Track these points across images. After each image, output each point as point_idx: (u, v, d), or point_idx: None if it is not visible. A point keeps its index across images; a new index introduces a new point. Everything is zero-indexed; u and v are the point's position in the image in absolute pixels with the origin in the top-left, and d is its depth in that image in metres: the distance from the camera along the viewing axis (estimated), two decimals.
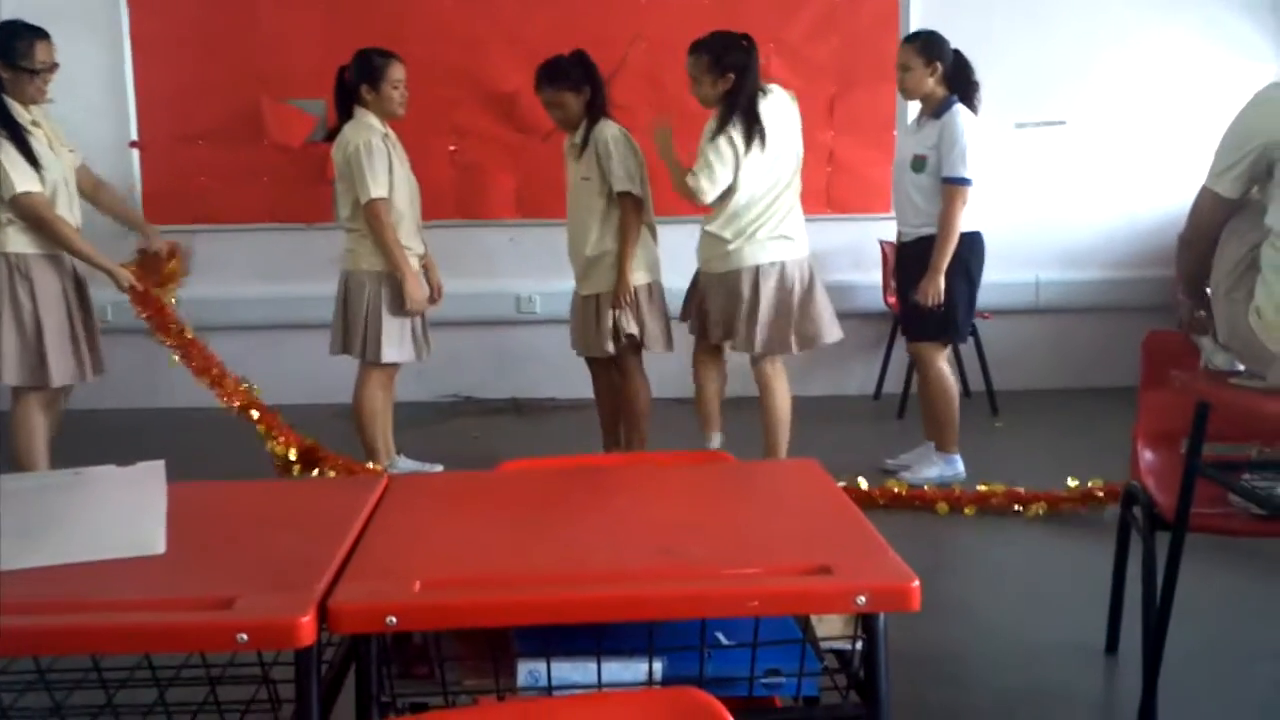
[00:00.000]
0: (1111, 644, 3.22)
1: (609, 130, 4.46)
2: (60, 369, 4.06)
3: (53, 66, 4.15)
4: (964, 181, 4.48)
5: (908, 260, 4.67)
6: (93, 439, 4.26)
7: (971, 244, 4.61)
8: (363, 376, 4.59)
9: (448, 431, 5.20)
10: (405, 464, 4.78)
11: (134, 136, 6.21)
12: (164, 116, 6.20)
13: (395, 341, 4.57)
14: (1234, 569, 3.55)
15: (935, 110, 4.55)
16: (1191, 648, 3.00)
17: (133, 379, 5.71)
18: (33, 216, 4.01)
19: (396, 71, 4.59)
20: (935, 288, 4.53)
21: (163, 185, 6.24)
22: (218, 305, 6.01)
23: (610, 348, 4.52)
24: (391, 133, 4.64)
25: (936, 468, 4.76)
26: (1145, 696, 2.74)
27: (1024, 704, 2.97)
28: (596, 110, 4.49)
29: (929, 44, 4.54)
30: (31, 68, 4.05)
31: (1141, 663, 2.79)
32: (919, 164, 4.56)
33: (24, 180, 3.97)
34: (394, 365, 4.65)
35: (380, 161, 4.47)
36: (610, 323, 4.50)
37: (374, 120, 4.56)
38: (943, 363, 4.73)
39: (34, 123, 4.14)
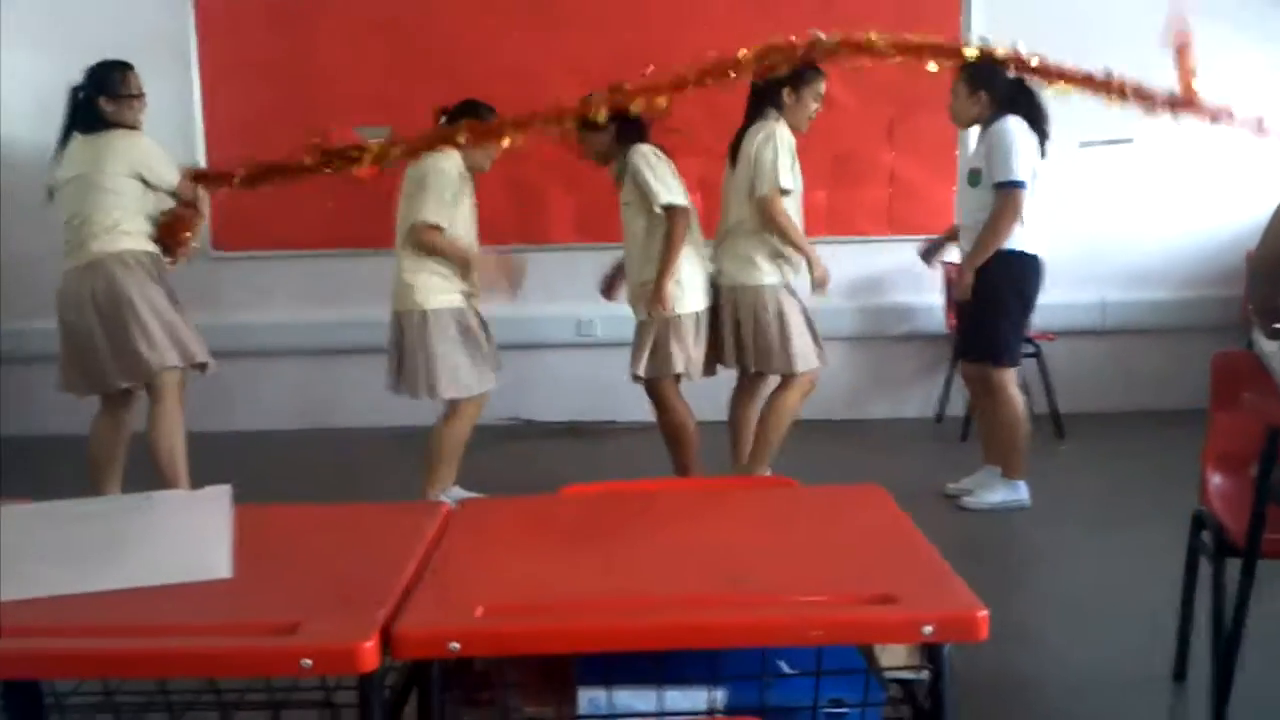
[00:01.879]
0: (1179, 672, 3.15)
1: (637, 152, 4.48)
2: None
3: (141, 95, 4.49)
4: (1014, 184, 4.44)
5: (976, 282, 4.56)
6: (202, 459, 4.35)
7: (1027, 265, 4.56)
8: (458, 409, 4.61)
9: (507, 455, 5.22)
10: (458, 493, 4.83)
11: (203, 164, 6.31)
12: (232, 145, 6.28)
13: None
14: None
15: (986, 124, 4.57)
16: (1261, 676, 2.93)
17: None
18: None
19: None
20: (964, 284, 4.53)
21: (232, 212, 6.33)
22: (278, 329, 6.10)
23: (641, 370, 4.55)
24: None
25: (1000, 493, 4.70)
26: None
27: None
28: (625, 138, 4.53)
29: (975, 73, 4.53)
30: (131, 93, 4.41)
31: (1210, 691, 2.74)
32: (974, 178, 4.57)
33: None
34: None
35: (449, 189, 4.54)
36: (649, 348, 4.53)
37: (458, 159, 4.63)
38: (1014, 387, 4.66)
39: None
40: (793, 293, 4.65)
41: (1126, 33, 6.07)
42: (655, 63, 5.99)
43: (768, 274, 4.57)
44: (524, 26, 6.20)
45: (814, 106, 4.58)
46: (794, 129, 4.59)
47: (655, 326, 4.50)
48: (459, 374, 4.52)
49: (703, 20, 6.19)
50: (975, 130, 4.79)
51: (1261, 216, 2.70)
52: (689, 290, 4.52)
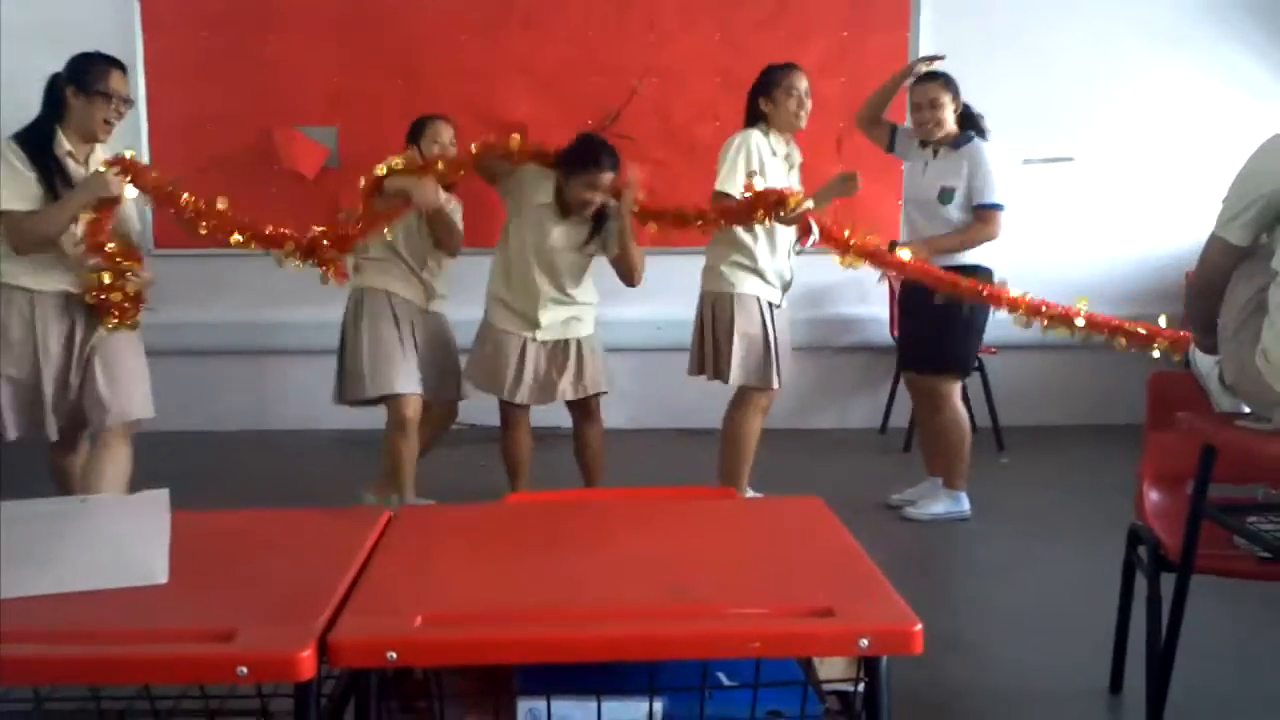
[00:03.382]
0: (1116, 684, 3.20)
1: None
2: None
3: (126, 100, 3.98)
4: (997, 207, 4.58)
5: (928, 294, 4.59)
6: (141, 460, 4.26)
7: (984, 279, 4.62)
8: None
9: (453, 462, 5.19)
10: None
11: (146, 162, 6.23)
12: (176, 143, 6.23)
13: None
14: (1239, 611, 3.53)
15: (954, 143, 4.62)
16: (1196, 689, 2.98)
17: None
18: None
19: (438, 131, 4.71)
20: (930, 252, 4.58)
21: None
22: (223, 329, 6.03)
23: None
24: None
25: (942, 504, 4.75)
26: None
27: None
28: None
29: (952, 81, 4.64)
30: (105, 91, 3.86)
31: (1146, 704, 2.78)
32: (947, 196, 4.61)
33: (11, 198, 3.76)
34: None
35: None
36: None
37: None
38: (958, 399, 4.72)
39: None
40: (766, 311, 4.59)
41: (1074, 34, 6.21)
42: (605, 65, 6.06)
43: (725, 282, 4.57)
44: (477, 27, 6.19)
45: (794, 102, 4.55)
46: (787, 129, 4.61)
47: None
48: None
49: (654, 25, 6.21)
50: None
51: (1201, 236, 2.75)
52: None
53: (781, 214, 4.33)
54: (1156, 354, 4.33)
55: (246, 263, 6.21)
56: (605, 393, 4.64)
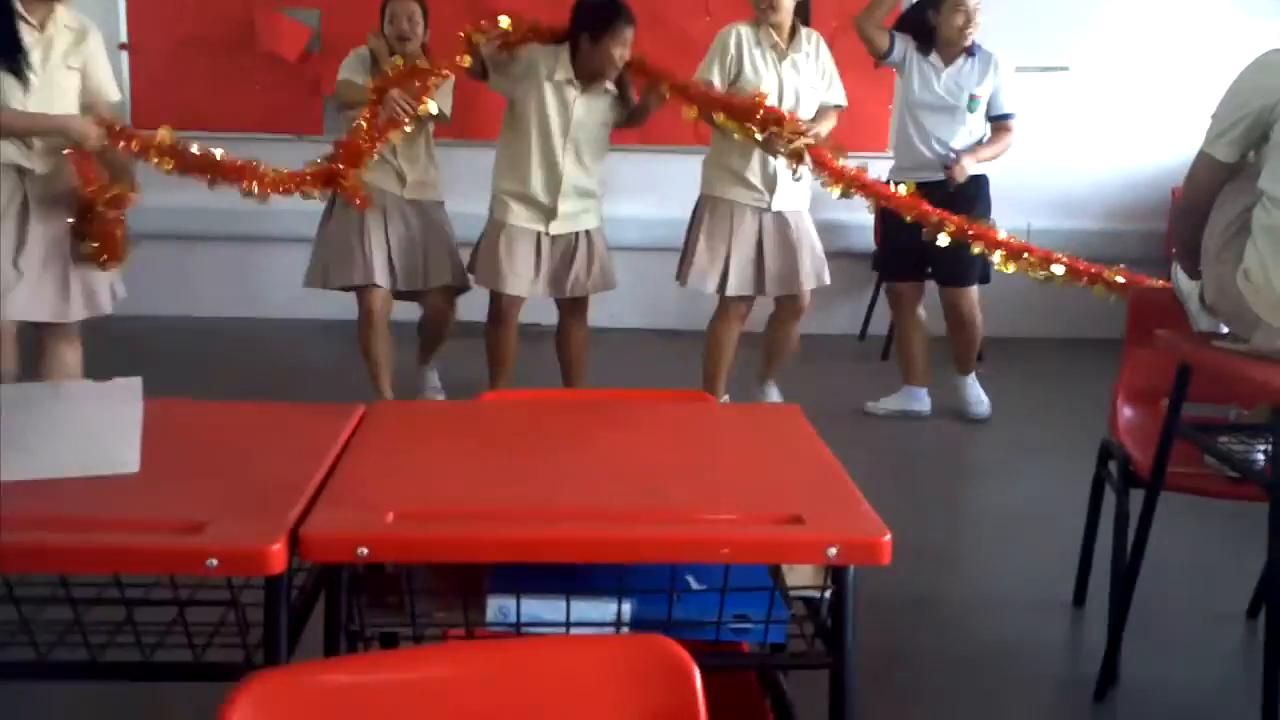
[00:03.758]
0: (1079, 596, 3.25)
1: None
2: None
3: None
4: (1012, 116, 4.80)
5: (959, 199, 4.62)
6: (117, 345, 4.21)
7: (985, 186, 4.81)
8: None
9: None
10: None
11: (123, 39, 6.10)
12: (155, 19, 6.09)
13: None
14: (1206, 528, 3.58)
15: (970, 51, 4.68)
16: (1157, 605, 3.04)
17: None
18: None
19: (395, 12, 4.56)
20: (973, 162, 4.69)
21: (153, 89, 6.14)
22: (206, 215, 5.94)
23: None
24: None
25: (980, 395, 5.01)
26: (1109, 649, 2.78)
27: (988, 653, 3.01)
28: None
29: None
30: None
31: (1108, 617, 2.83)
32: (974, 103, 4.71)
33: None
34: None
35: None
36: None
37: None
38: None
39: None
40: (739, 215, 4.51)
41: (1068, 10, 6.10)
42: None
43: (704, 183, 4.56)
44: None
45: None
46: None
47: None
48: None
49: None
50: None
51: (1187, 154, 2.73)
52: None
53: (776, 137, 4.25)
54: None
55: (228, 147, 6.15)
56: (613, 288, 4.64)
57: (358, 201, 4.33)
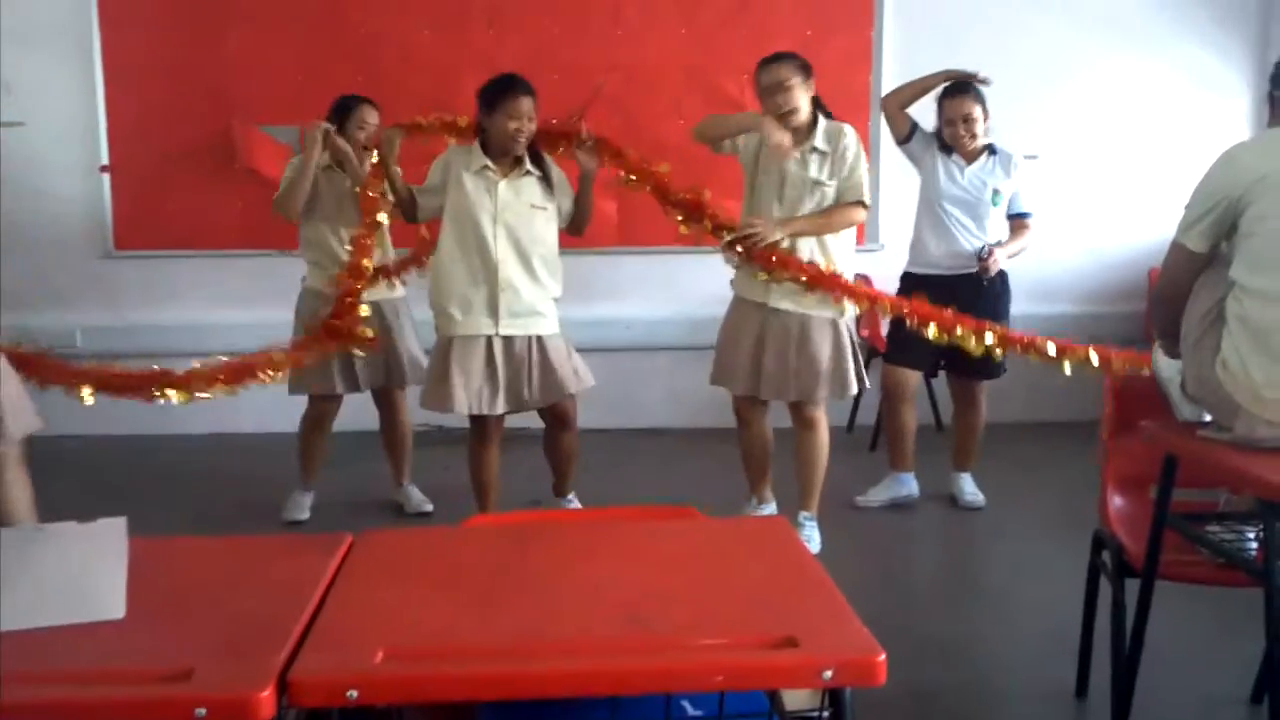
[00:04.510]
0: (1081, 687, 3.22)
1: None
2: None
3: None
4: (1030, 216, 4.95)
5: (988, 293, 4.75)
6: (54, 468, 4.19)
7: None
8: None
9: (420, 464, 5.16)
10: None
11: (105, 160, 6.16)
12: (136, 140, 6.16)
13: None
14: (1202, 614, 3.57)
15: (989, 149, 4.81)
16: (1159, 693, 3.01)
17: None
18: None
19: (365, 115, 4.70)
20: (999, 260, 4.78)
21: (135, 210, 6.20)
22: (185, 331, 5.97)
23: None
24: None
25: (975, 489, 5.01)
26: None
27: None
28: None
29: (983, 97, 4.81)
30: None
31: (1111, 708, 2.80)
32: (998, 198, 4.83)
33: None
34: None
35: None
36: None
37: None
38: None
39: None
40: (740, 310, 4.42)
41: (1034, 31, 6.23)
42: (568, 62, 6.01)
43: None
44: (439, 22, 6.14)
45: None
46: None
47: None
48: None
49: (618, 21, 6.19)
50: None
51: (1164, 237, 2.77)
52: None
53: (739, 240, 4.23)
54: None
55: (206, 264, 6.20)
56: (573, 395, 4.37)
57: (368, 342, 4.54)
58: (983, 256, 4.71)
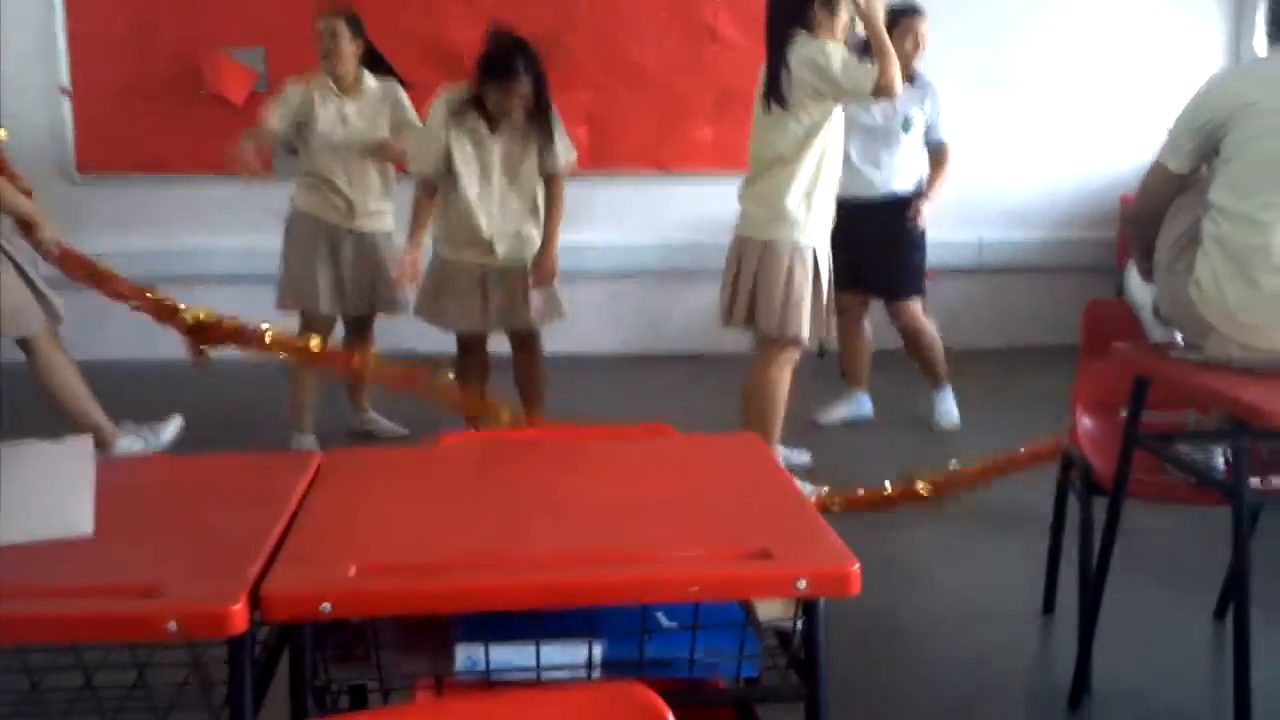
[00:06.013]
0: (1048, 604, 3.27)
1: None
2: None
3: None
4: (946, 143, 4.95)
5: (891, 217, 4.77)
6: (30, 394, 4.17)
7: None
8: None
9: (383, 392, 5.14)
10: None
11: (65, 83, 6.03)
12: (97, 64, 6.03)
13: None
14: (1168, 530, 3.62)
15: (910, 76, 4.66)
16: (1124, 610, 3.05)
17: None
18: None
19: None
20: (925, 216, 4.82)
21: (98, 133, 6.08)
22: (157, 257, 5.89)
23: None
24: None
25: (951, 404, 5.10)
26: (1080, 657, 2.79)
27: (961, 666, 3.01)
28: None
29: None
30: None
31: (1078, 623, 2.84)
32: (909, 125, 4.79)
33: None
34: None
35: None
36: None
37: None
38: (925, 315, 5.02)
39: None
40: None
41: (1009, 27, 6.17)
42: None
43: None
44: None
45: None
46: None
47: None
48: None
49: None
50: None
51: (1136, 163, 2.77)
52: None
53: None
54: None
55: (170, 188, 6.10)
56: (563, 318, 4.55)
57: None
58: (909, 214, 4.78)
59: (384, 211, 4.73)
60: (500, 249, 4.35)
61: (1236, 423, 2.31)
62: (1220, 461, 2.68)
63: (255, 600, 1.43)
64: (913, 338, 5.01)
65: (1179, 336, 2.72)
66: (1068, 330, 3.71)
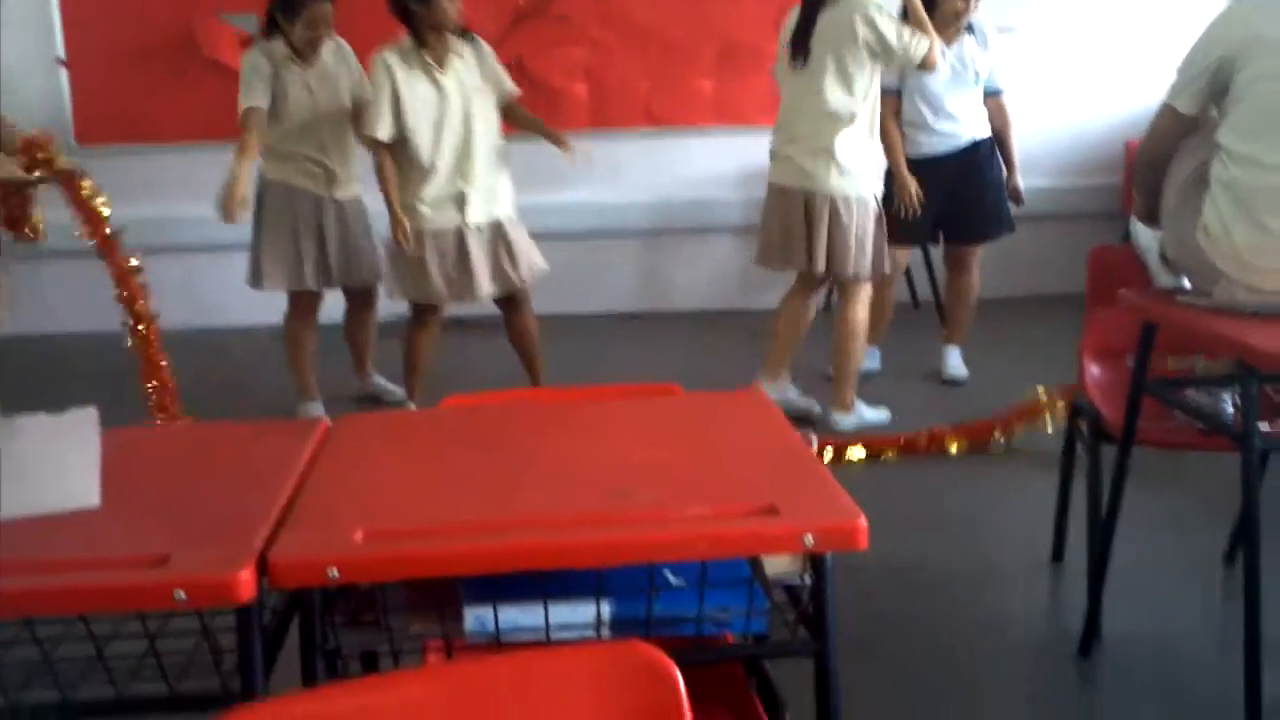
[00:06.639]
0: (1058, 553, 3.27)
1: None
2: None
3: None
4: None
5: (978, 163, 4.83)
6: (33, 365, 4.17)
7: None
8: None
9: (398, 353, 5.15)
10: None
11: (60, 53, 6.00)
12: (92, 32, 5.99)
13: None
14: (1177, 476, 3.61)
15: (968, 28, 4.72)
16: (1134, 558, 3.06)
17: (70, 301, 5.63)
18: None
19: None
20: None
21: (95, 103, 6.05)
22: (159, 225, 5.87)
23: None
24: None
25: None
26: (1090, 605, 2.80)
27: (970, 616, 3.02)
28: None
29: None
30: None
31: (1087, 572, 2.84)
32: (977, 77, 4.81)
33: None
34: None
35: None
36: None
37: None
38: None
39: None
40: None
41: None
42: None
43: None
44: None
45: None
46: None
47: None
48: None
49: None
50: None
51: (1141, 108, 2.73)
52: None
53: None
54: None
55: (170, 157, 6.07)
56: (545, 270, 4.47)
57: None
58: (1012, 191, 4.91)
59: (359, 179, 4.64)
60: (473, 209, 4.28)
61: (1245, 367, 2.30)
62: (1229, 407, 2.67)
63: (263, 567, 1.43)
64: (968, 292, 5.04)
65: (1186, 281, 2.70)
66: (1074, 278, 3.69)
